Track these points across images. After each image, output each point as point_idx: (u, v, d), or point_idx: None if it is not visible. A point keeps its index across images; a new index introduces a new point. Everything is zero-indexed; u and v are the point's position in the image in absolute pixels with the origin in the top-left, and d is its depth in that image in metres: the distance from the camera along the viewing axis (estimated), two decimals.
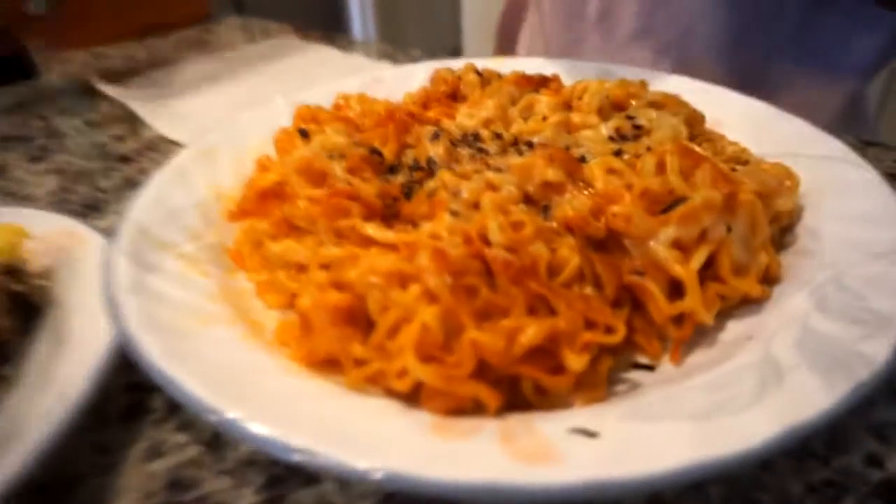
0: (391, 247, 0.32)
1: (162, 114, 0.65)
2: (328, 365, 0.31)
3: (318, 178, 0.38)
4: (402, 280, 0.30)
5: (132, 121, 0.66)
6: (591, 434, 0.24)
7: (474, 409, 0.27)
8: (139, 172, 0.56)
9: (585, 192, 0.34)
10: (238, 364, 0.29)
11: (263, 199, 0.40)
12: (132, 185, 0.54)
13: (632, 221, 0.32)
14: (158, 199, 0.44)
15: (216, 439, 0.30)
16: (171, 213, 0.43)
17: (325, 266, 0.33)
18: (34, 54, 0.81)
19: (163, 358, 0.28)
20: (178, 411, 0.32)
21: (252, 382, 0.28)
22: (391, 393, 0.29)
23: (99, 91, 0.74)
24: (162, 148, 0.60)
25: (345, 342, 0.30)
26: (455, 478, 0.22)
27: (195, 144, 0.51)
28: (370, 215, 0.35)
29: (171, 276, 0.36)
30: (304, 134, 0.47)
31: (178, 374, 0.27)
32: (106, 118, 0.68)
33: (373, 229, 0.33)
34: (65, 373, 0.31)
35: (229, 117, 0.55)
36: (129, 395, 0.33)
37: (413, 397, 0.28)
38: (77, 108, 0.71)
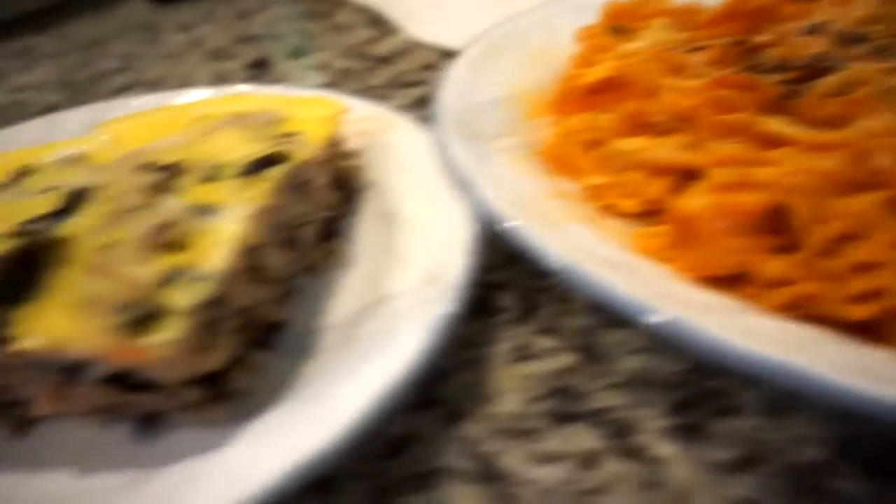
0: (803, 148, 0.26)
1: (411, 17, 0.62)
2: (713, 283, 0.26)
3: (675, 71, 0.33)
4: (841, 187, 0.24)
5: (378, 25, 0.64)
6: None
7: None
8: (402, 73, 0.54)
9: None
10: (633, 266, 0.25)
11: (593, 93, 0.35)
12: (399, 84, 0.52)
13: None
14: (462, 93, 0.41)
15: (591, 348, 0.26)
16: (480, 107, 0.40)
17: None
18: None
19: (556, 248, 0.24)
20: (535, 313, 0.28)
21: (663, 287, 0.24)
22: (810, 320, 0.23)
23: None
24: (416, 52, 0.57)
25: (755, 255, 0.25)
26: None
27: (479, 43, 0.47)
28: (763, 111, 0.29)
29: (504, 166, 0.33)
30: (620, 31, 0.41)
31: (586, 267, 0.23)
32: (351, 23, 0.66)
33: (783, 125, 0.27)
34: (419, 257, 0.28)
35: (503, 19, 0.51)
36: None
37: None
38: (319, 14, 0.70)
